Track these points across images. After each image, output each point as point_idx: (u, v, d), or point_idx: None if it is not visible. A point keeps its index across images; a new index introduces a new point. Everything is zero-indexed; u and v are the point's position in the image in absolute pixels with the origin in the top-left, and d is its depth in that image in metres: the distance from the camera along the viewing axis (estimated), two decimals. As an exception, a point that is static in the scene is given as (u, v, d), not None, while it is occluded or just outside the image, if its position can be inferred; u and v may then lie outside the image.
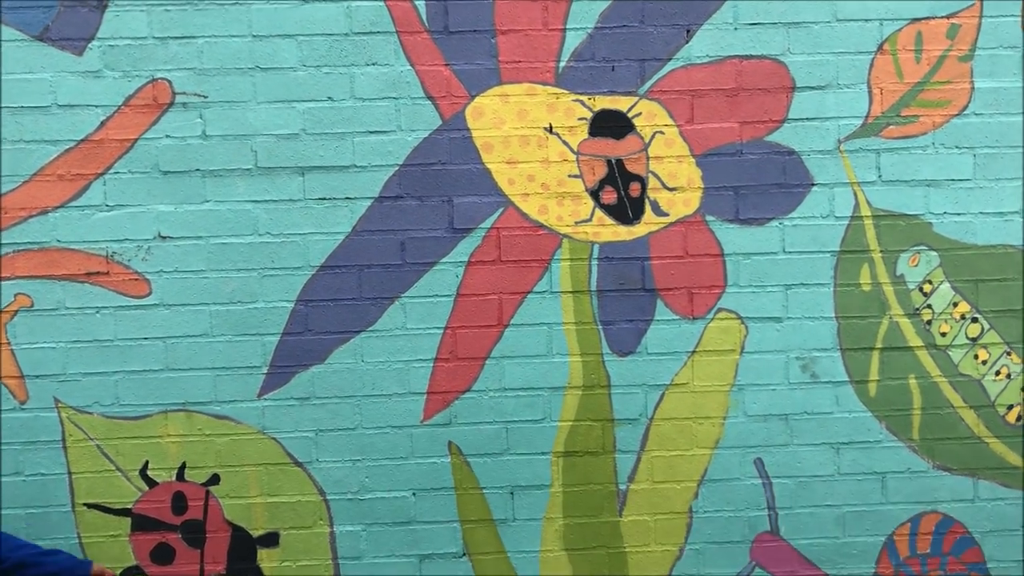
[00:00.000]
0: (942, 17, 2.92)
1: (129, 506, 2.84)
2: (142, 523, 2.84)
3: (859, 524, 2.95)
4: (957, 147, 2.93)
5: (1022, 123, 2.93)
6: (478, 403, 2.89)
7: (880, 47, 2.91)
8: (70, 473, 2.83)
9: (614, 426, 2.92)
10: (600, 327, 2.91)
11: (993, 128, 2.93)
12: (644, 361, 2.91)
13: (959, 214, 2.94)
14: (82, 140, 2.80)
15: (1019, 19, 2.92)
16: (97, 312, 2.82)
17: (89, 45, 2.79)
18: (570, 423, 2.91)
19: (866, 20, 2.90)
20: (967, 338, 2.94)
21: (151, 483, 2.84)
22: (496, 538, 2.91)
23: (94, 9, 2.78)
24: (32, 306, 2.81)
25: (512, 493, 2.91)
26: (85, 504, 2.83)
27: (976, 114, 2.93)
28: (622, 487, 2.93)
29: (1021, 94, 2.92)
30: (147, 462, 2.84)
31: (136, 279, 2.83)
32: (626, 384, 2.91)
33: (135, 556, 2.84)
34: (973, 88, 2.93)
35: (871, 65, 2.91)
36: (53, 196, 2.80)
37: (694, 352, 2.92)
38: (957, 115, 2.93)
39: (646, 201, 2.90)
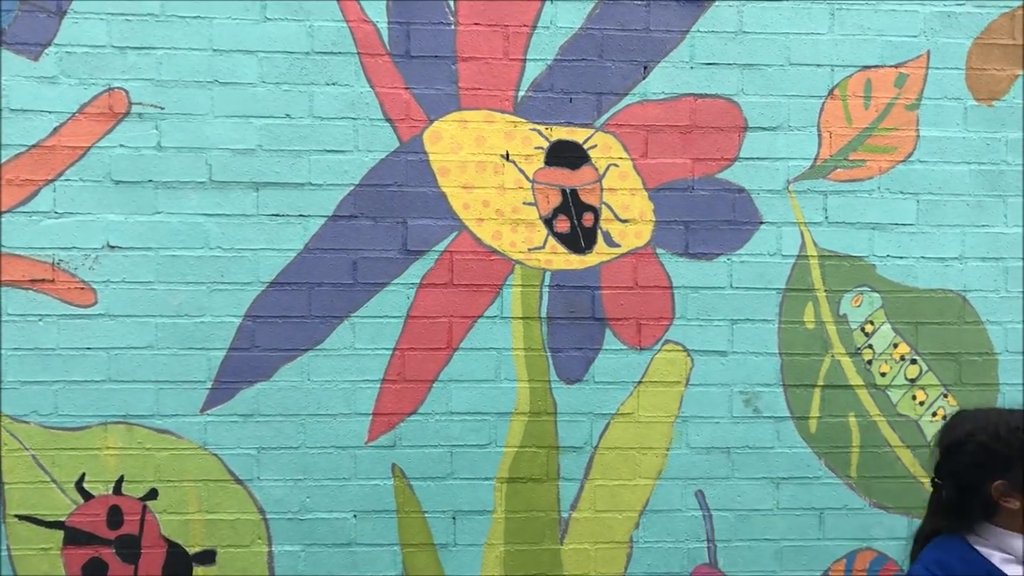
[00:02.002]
0: (891, 66, 3.01)
1: (62, 519, 2.78)
2: (75, 537, 2.78)
3: (796, 559, 2.98)
4: (902, 192, 3.01)
5: (964, 172, 3.02)
6: (424, 426, 2.89)
7: (831, 92, 2.99)
8: (2, 483, 2.76)
9: (559, 453, 2.93)
10: (549, 354, 2.93)
11: (937, 175, 3.02)
12: (591, 389, 2.94)
13: (902, 257, 3.01)
14: (34, 145, 2.77)
15: (963, 72, 3.02)
16: (40, 320, 2.78)
17: (46, 51, 2.77)
18: (515, 449, 2.92)
19: (818, 65, 2.99)
20: (906, 379, 3.01)
21: (87, 496, 2.79)
22: (436, 563, 2.90)
23: (52, 15, 2.76)
24: (-27, 311, 2.76)
25: (454, 518, 2.90)
26: (16, 515, 2.77)
27: (921, 161, 3.02)
28: (564, 515, 2.93)
29: (964, 143, 3.02)
30: (84, 474, 2.79)
31: (82, 288, 2.79)
32: (572, 412, 2.93)
33: (66, 570, 2.77)
34: (919, 136, 3.02)
35: (821, 109, 2.99)
36: (1, 201, 2.76)
37: (640, 382, 2.95)
38: (903, 161, 3.01)
39: (598, 231, 2.93)
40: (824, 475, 2.98)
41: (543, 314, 2.92)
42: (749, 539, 2.97)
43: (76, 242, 2.79)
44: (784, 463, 2.98)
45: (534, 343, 2.92)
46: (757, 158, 2.97)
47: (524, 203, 2.91)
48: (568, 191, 2.93)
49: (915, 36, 3.01)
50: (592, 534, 2.93)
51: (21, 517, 2.76)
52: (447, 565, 2.90)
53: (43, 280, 2.78)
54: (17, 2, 2.74)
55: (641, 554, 2.95)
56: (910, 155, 3.02)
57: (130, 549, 2.80)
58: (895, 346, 3.01)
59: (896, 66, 3.01)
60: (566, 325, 2.93)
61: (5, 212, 2.76)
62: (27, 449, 2.77)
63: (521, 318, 2.92)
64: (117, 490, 2.80)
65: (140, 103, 2.80)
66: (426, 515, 2.89)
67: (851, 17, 2.99)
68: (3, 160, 2.76)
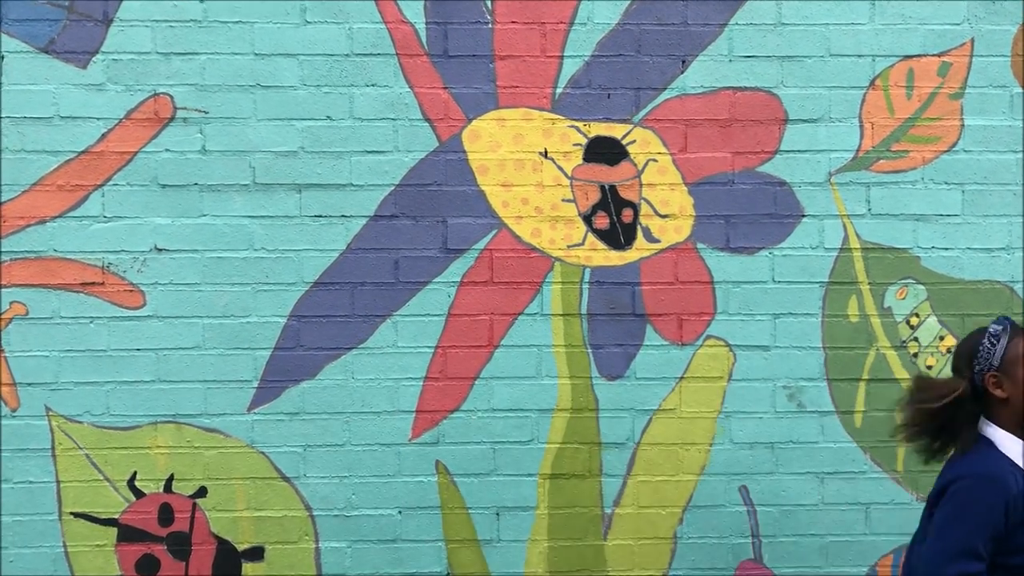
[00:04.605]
0: (934, 55, 2.97)
1: (116, 516, 2.85)
2: (128, 534, 2.84)
3: (842, 554, 2.96)
4: (946, 183, 2.97)
5: (1010, 160, 2.97)
6: (466, 423, 2.91)
7: (872, 82, 2.96)
8: (58, 481, 2.84)
9: (601, 450, 2.94)
10: (590, 350, 2.93)
11: (982, 165, 2.97)
12: (632, 386, 2.94)
13: (947, 249, 2.97)
14: (83, 152, 2.83)
15: (1008, 59, 2.97)
16: (91, 322, 2.84)
17: (93, 59, 2.83)
18: (557, 445, 2.93)
19: (859, 56, 2.95)
20: (953, 372, 2.96)
21: (138, 494, 2.85)
22: (481, 559, 2.92)
23: (99, 24, 2.82)
24: (27, 314, 2.83)
25: (498, 514, 2.92)
26: (72, 513, 2.84)
27: (965, 151, 2.97)
28: (607, 511, 2.94)
29: (1010, 132, 2.97)
30: (135, 473, 2.85)
31: (131, 290, 2.85)
32: (614, 408, 2.93)
33: (120, 567, 2.84)
34: (963, 125, 2.97)
35: (863, 100, 2.96)
36: (52, 206, 2.83)
37: (682, 378, 2.94)
38: (947, 151, 2.97)
39: (638, 227, 2.93)
40: (870, 469, 2.96)
41: (583, 311, 2.93)
42: (794, 534, 2.95)
43: (125, 245, 2.85)
44: (829, 458, 2.95)
45: (575, 340, 2.93)
46: (798, 151, 2.94)
47: (563, 200, 2.92)
48: (607, 187, 2.93)
49: (958, 24, 2.96)
50: (636, 530, 2.94)
51: (76, 515, 2.83)
52: (491, 561, 2.92)
53: (93, 283, 2.84)
54: (65, 12, 2.81)
55: (685, 550, 2.94)
56: (954, 145, 2.97)
57: (181, 546, 2.86)
58: (941, 339, 2.97)
59: (939, 55, 2.97)
60: (606, 321, 2.93)
61: (57, 217, 2.83)
62: (81, 448, 2.84)
63: (561, 315, 2.93)
64: (167, 488, 2.86)
65: (184, 108, 2.85)
66: (470, 511, 2.91)
67: (892, 6, 2.95)
68: (54, 167, 2.83)
